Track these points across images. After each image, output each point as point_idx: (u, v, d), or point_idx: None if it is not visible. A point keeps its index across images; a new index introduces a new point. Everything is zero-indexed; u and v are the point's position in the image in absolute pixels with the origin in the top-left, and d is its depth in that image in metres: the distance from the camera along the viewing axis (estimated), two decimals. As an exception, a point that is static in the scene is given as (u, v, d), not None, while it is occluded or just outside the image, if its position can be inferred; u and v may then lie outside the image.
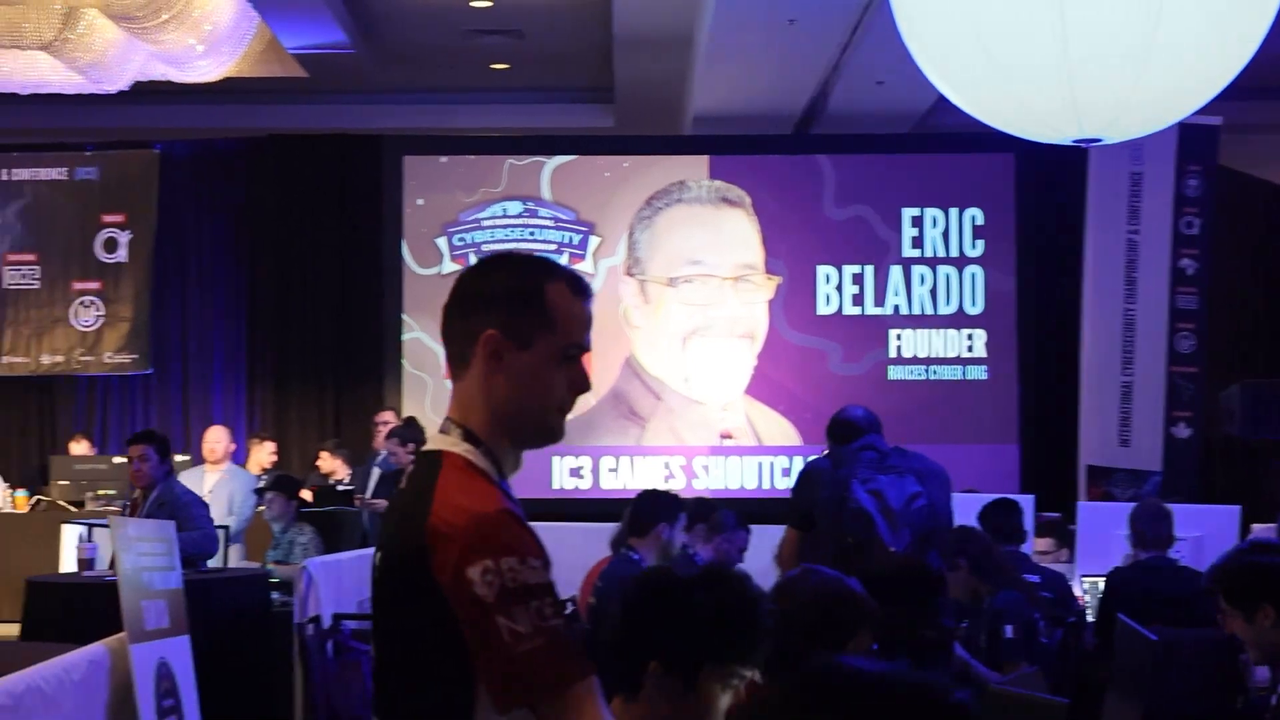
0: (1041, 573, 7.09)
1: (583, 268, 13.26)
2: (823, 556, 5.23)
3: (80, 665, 4.19)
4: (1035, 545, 8.81)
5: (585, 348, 2.55)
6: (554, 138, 13.85)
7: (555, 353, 2.49)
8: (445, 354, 2.56)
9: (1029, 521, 7.94)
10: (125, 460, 11.93)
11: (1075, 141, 5.72)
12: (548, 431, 2.57)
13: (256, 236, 13.68)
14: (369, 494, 10.67)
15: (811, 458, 6.79)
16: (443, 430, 2.52)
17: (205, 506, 8.29)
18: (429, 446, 2.52)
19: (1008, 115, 5.78)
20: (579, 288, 2.55)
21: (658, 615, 2.85)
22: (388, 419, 11.26)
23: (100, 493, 11.04)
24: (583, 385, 2.55)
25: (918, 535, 5.56)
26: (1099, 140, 5.72)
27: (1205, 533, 7.82)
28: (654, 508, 6.81)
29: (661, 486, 12.61)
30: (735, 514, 7.99)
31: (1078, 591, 7.62)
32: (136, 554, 4.83)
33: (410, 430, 10.27)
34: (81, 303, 13.33)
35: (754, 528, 10.16)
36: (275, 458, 11.99)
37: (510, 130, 14.40)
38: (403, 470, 10.33)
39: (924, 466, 5.97)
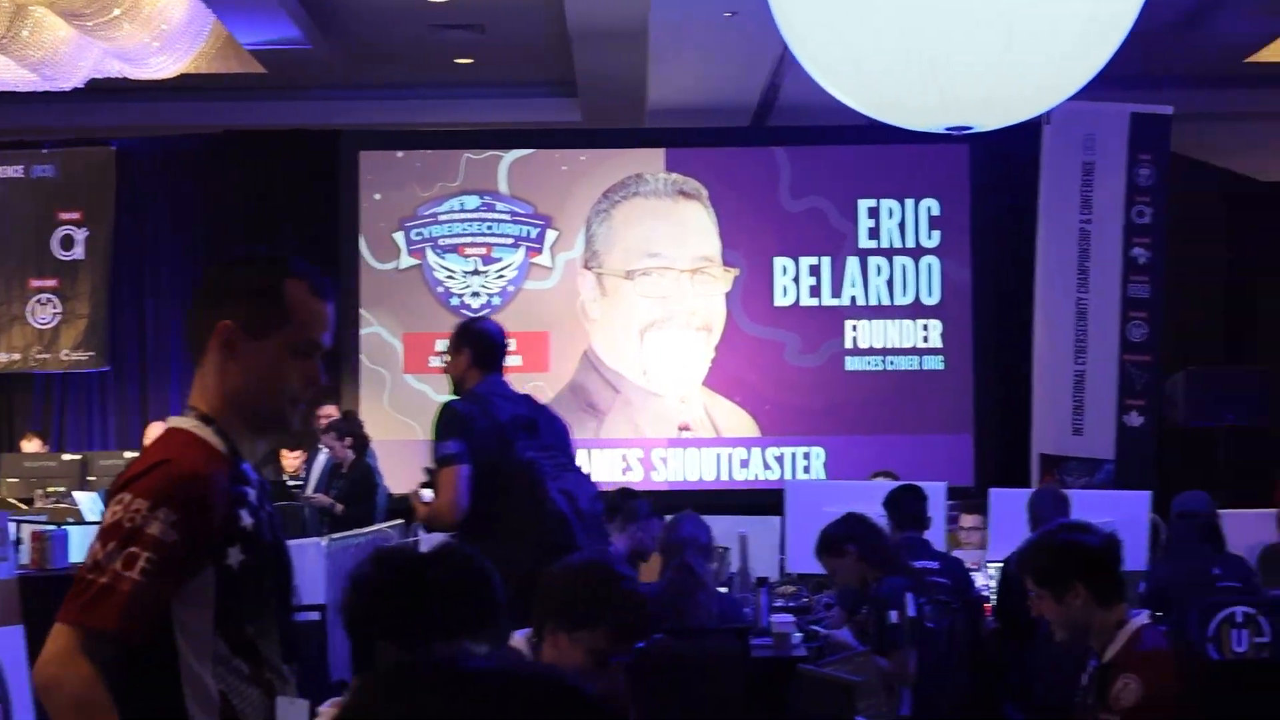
0: (941, 558, 7.14)
1: (540, 261, 13.34)
2: (518, 557, 4.74)
3: None
4: (964, 522, 8.93)
5: (320, 345, 2.74)
6: (509, 132, 13.91)
7: (288, 346, 2.68)
8: (187, 342, 2.73)
9: (939, 508, 7.98)
10: (76, 457, 12.07)
11: (947, 129, 5.76)
12: (280, 420, 2.77)
13: (214, 233, 13.71)
14: (311, 488, 10.74)
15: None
16: (181, 414, 2.69)
17: None
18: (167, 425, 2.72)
19: (880, 106, 5.83)
20: (319, 288, 2.76)
21: (387, 592, 2.90)
22: (329, 413, 11.31)
23: (49, 490, 11.11)
24: (315, 380, 2.75)
25: (598, 539, 5.47)
26: (971, 128, 5.76)
27: (1115, 518, 7.83)
28: None
29: (620, 479, 12.79)
30: (649, 503, 8.02)
31: (983, 578, 7.66)
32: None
33: (347, 423, 10.34)
34: (39, 300, 13.39)
35: (710, 518, 10.29)
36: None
37: (478, 125, 14.46)
38: (342, 463, 10.46)
39: (572, 453, 5.74)
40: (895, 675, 6.19)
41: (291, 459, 11.91)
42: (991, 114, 5.62)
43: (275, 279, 2.71)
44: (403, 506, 11.77)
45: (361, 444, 10.41)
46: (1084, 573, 4.16)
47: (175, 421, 2.68)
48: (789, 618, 6.60)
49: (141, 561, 2.41)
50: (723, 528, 9.00)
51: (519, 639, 3.74)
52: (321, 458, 10.95)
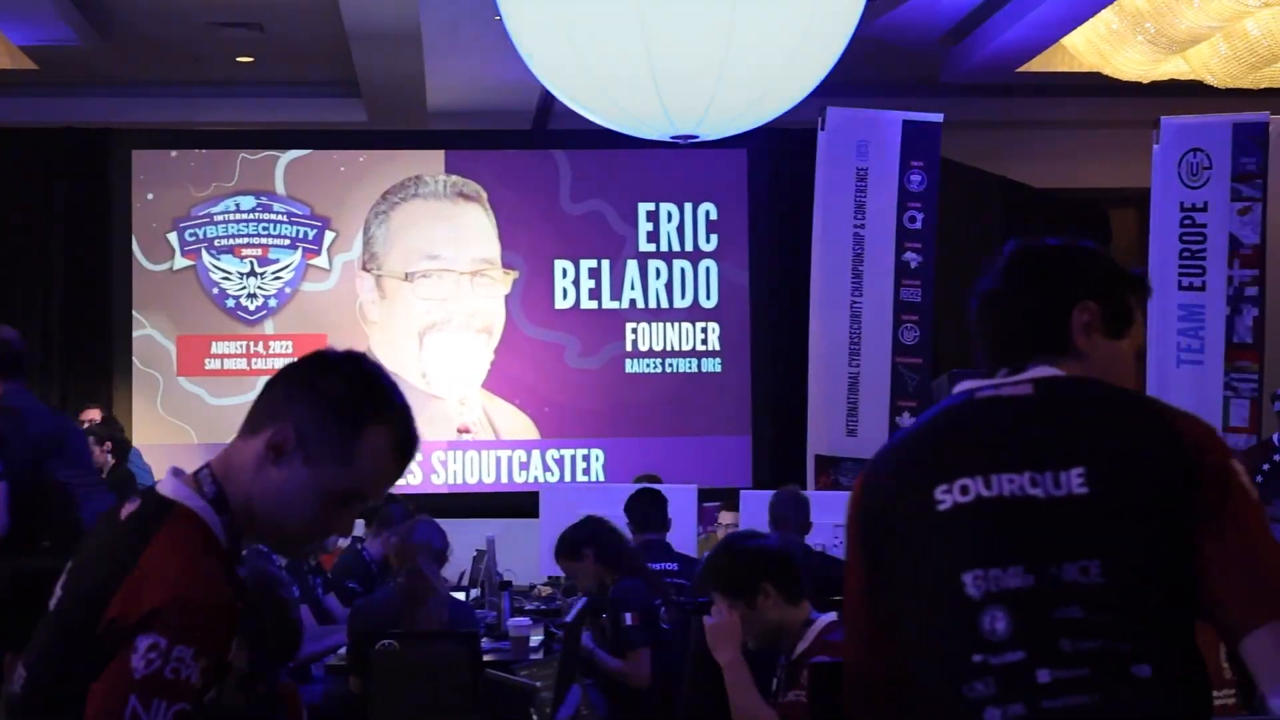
0: (680, 560, 7.22)
1: (318, 263, 13.22)
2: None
3: None
4: (723, 519, 9.07)
5: (369, 500, 2.41)
6: (286, 132, 13.76)
7: (336, 489, 2.32)
8: (255, 403, 2.36)
9: (690, 511, 8.07)
10: None
11: (673, 138, 5.83)
12: (283, 548, 2.41)
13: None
14: (72, 492, 10.53)
15: None
16: (196, 475, 2.33)
17: None
18: (164, 491, 2.30)
19: (607, 114, 5.88)
20: (404, 447, 2.38)
21: (14, 606, 2.87)
22: (92, 416, 11.09)
23: None
24: (344, 530, 2.49)
25: None
26: (696, 137, 5.83)
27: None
28: None
29: (398, 483, 12.71)
30: (403, 508, 8.00)
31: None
32: None
33: (106, 428, 10.15)
34: None
35: (479, 521, 10.33)
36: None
37: (257, 124, 14.28)
38: (101, 468, 10.26)
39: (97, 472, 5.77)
40: (629, 676, 6.26)
41: None
42: (714, 124, 5.69)
43: (361, 417, 2.32)
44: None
45: (122, 449, 10.23)
46: (770, 573, 4.25)
47: (180, 492, 2.28)
48: (526, 621, 6.63)
49: (181, 714, 2.12)
50: (489, 531, 9.06)
51: None
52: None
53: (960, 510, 2.38)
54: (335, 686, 6.33)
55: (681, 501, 7.89)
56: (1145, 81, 12.91)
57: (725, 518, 9.10)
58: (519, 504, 11.81)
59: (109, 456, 10.22)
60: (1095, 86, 13.54)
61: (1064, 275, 2.66)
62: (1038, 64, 13.55)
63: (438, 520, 10.12)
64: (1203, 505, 2.32)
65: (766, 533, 4.41)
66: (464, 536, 8.72)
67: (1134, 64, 12.65)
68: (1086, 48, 12.76)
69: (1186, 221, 11.67)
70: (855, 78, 14.29)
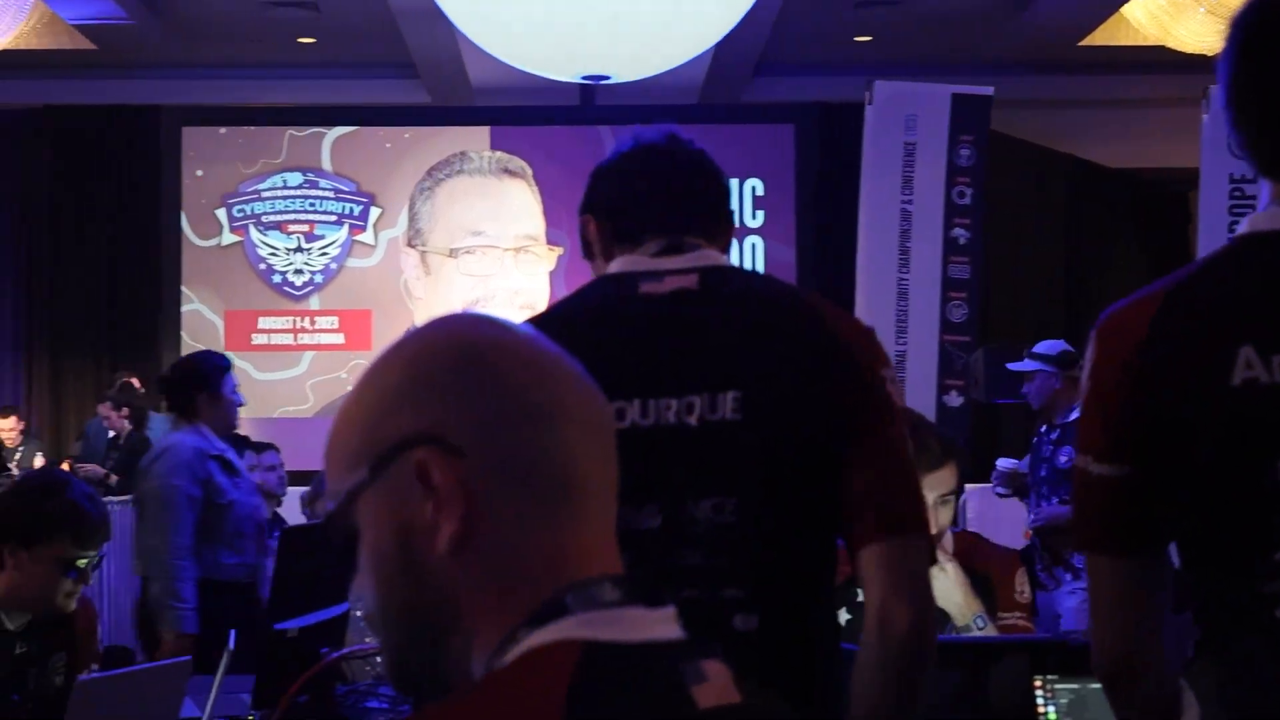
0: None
1: (363, 239, 13.27)
2: None
3: None
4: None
5: None
6: (332, 108, 13.83)
7: None
8: None
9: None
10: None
11: (584, 79, 5.75)
12: None
13: (32, 210, 13.60)
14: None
15: None
16: None
17: None
18: None
19: (520, 58, 5.83)
20: None
21: None
22: (128, 380, 11.21)
23: None
24: None
25: None
26: (607, 78, 5.75)
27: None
28: None
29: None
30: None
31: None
32: None
33: (124, 394, 10.26)
34: None
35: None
36: (18, 430, 11.76)
37: (304, 103, 14.35)
38: (120, 435, 10.37)
39: None
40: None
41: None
42: (620, 65, 5.60)
43: None
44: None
45: (139, 416, 10.33)
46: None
47: None
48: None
49: None
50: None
51: None
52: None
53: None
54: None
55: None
56: (1210, 55, 12.53)
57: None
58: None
59: (126, 423, 10.32)
60: (1162, 62, 13.18)
61: (722, 174, 2.53)
62: (1100, 37, 13.23)
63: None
64: (857, 422, 2.22)
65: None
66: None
67: (1195, 35, 12.31)
68: (1149, 20, 12.44)
69: (1236, 193, 11.30)
70: (914, 55, 14.09)
